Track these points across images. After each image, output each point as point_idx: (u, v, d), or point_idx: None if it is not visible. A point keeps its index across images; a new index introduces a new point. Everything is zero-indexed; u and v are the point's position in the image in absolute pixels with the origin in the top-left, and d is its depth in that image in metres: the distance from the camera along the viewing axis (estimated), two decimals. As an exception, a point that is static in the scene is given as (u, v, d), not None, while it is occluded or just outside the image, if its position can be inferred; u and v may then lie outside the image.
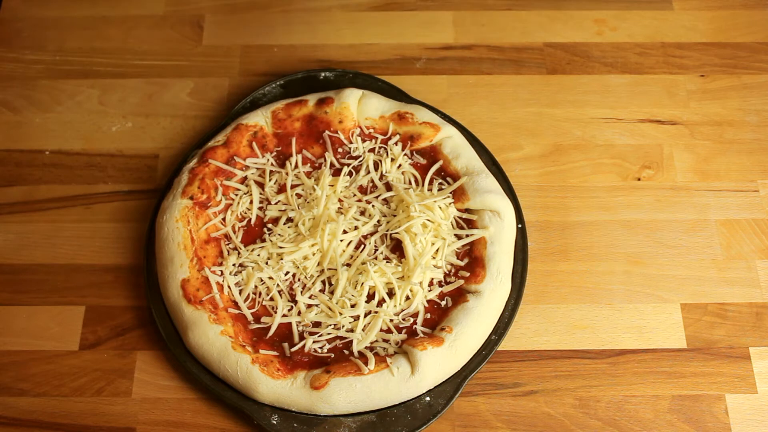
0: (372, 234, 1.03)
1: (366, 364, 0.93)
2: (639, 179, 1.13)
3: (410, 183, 1.07)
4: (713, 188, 1.12)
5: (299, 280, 1.01)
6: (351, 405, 0.93)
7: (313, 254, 1.01)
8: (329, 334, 0.97)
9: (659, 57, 1.23)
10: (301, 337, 0.97)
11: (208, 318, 0.96)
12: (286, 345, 0.96)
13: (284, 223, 1.02)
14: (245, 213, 1.05)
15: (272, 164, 1.09)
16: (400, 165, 1.07)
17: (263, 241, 1.03)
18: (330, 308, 0.98)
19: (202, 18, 1.27)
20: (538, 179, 1.13)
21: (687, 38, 1.25)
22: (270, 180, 1.07)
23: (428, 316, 0.99)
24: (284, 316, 0.98)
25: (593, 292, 1.04)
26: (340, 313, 0.98)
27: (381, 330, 0.97)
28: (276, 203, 1.05)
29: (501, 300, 0.99)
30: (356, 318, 0.97)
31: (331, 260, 1.02)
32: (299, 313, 0.98)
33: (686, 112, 1.18)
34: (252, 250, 1.01)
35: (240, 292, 1.00)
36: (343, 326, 0.97)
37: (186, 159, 1.11)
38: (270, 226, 1.03)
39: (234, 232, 1.03)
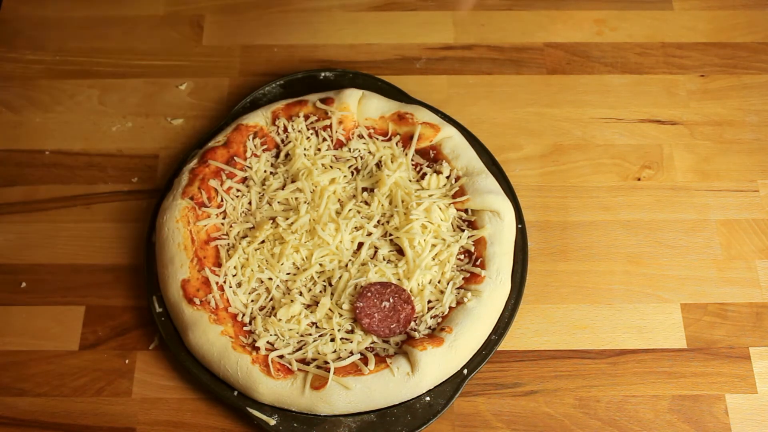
0: (371, 234, 1.03)
1: (366, 364, 0.93)
2: (639, 179, 1.13)
3: (410, 183, 1.07)
4: (713, 188, 1.12)
5: (299, 280, 1.00)
6: (351, 405, 0.93)
7: (314, 255, 1.01)
8: (330, 335, 0.97)
9: (659, 57, 1.23)
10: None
11: (209, 318, 0.96)
12: (285, 346, 0.96)
13: (285, 224, 1.02)
14: (245, 213, 1.05)
15: (272, 164, 1.09)
16: (400, 165, 1.07)
17: (263, 242, 1.02)
18: (330, 309, 0.98)
19: (202, 18, 1.27)
20: (538, 179, 1.13)
21: (687, 38, 1.25)
22: (270, 180, 1.07)
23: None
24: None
25: (593, 292, 1.05)
26: (341, 314, 0.98)
27: (381, 330, 0.98)
28: (276, 204, 1.05)
29: (501, 300, 0.99)
30: (356, 318, 0.98)
31: (332, 261, 1.02)
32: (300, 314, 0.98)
33: (686, 112, 1.18)
34: (252, 251, 1.01)
35: (240, 292, 1.00)
36: (343, 327, 0.97)
37: (186, 159, 1.11)
38: (270, 226, 1.03)
39: (234, 233, 1.03)
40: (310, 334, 0.97)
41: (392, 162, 1.07)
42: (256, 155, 1.09)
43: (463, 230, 1.03)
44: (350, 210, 1.04)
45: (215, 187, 1.05)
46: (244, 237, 1.03)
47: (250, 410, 0.94)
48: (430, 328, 0.98)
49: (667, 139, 1.16)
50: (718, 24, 1.26)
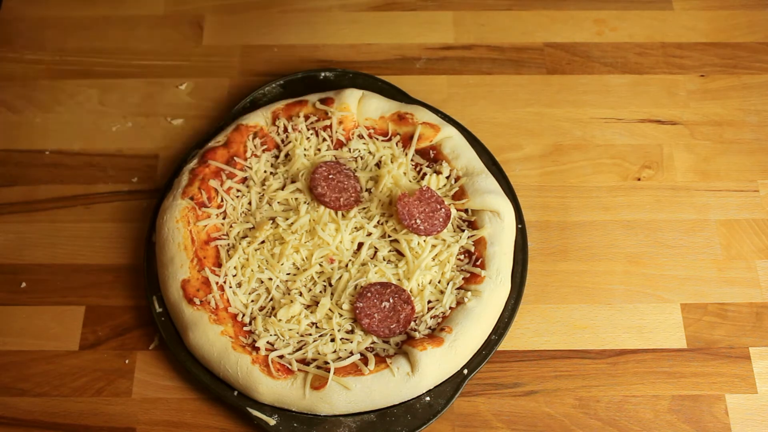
0: (371, 235, 1.03)
1: (366, 364, 0.93)
2: (639, 179, 1.13)
3: (409, 183, 1.07)
4: (713, 188, 1.12)
5: (299, 281, 1.00)
6: (351, 405, 0.93)
7: (314, 255, 1.01)
8: (330, 335, 0.97)
9: (659, 57, 1.23)
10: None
11: (209, 318, 0.96)
12: (285, 346, 0.96)
13: (284, 224, 1.02)
14: (245, 213, 1.05)
15: (272, 165, 1.09)
16: (400, 165, 1.07)
17: (263, 242, 1.02)
18: (330, 309, 0.98)
19: (202, 18, 1.27)
20: (538, 179, 1.13)
21: (687, 38, 1.25)
22: (270, 180, 1.07)
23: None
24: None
25: (593, 292, 1.05)
26: (341, 315, 0.98)
27: (381, 330, 0.98)
28: (276, 204, 1.05)
29: (501, 300, 0.99)
30: (356, 318, 0.98)
31: (332, 261, 1.02)
32: (300, 313, 0.98)
33: (686, 112, 1.18)
34: (252, 251, 1.01)
35: (240, 292, 1.00)
36: (343, 327, 0.97)
37: (186, 159, 1.11)
38: (270, 226, 1.03)
39: (234, 233, 1.03)
40: (310, 335, 0.97)
41: (392, 162, 1.07)
42: (256, 155, 1.09)
43: (463, 230, 1.03)
44: (350, 210, 1.04)
45: (215, 187, 1.05)
46: (244, 237, 1.03)
47: (250, 410, 0.94)
48: (430, 328, 0.98)
49: (667, 139, 1.16)
50: (718, 24, 1.26)
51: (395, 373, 0.93)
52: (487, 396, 0.98)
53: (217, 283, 0.99)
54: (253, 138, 1.09)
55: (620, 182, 1.12)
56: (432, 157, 1.09)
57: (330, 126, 1.09)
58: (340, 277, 1.00)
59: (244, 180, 1.07)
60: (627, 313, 1.03)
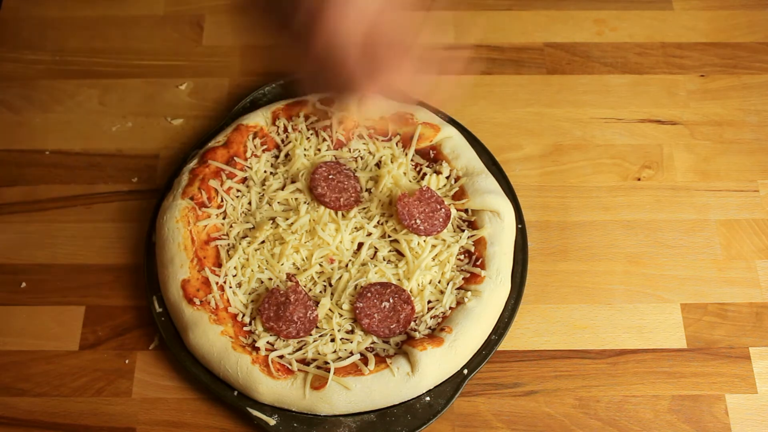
0: (371, 235, 1.03)
1: (366, 364, 0.93)
2: (639, 179, 1.13)
3: (409, 183, 1.07)
4: (713, 188, 1.12)
5: (299, 280, 1.00)
6: (351, 405, 0.93)
7: (314, 255, 1.01)
8: (330, 335, 0.97)
9: (659, 57, 1.23)
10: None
11: (209, 318, 0.96)
12: (285, 346, 0.96)
13: (285, 224, 1.02)
14: (245, 214, 1.05)
15: (272, 165, 1.09)
16: (400, 165, 1.07)
17: (263, 242, 1.02)
18: (330, 309, 0.98)
19: (202, 18, 1.27)
20: (538, 179, 1.13)
21: (687, 38, 1.25)
22: (270, 180, 1.07)
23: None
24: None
25: (593, 292, 1.05)
26: (341, 315, 0.98)
27: (381, 330, 0.98)
28: (276, 204, 1.05)
29: (501, 300, 0.99)
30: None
31: (332, 261, 1.02)
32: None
33: (686, 112, 1.18)
34: (252, 251, 1.01)
35: (240, 292, 1.00)
36: (343, 327, 0.97)
37: (186, 159, 1.11)
38: (270, 227, 1.03)
39: (234, 233, 1.03)
40: (310, 335, 0.97)
41: (392, 162, 1.07)
42: (256, 155, 1.09)
43: (463, 230, 1.03)
44: (350, 210, 1.04)
45: (215, 187, 1.05)
46: (244, 237, 1.03)
47: (250, 410, 0.94)
48: (430, 328, 0.98)
49: (667, 139, 1.16)
50: (718, 24, 1.26)
51: (395, 373, 0.93)
52: (487, 396, 0.98)
53: (217, 283, 0.99)
54: (253, 138, 1.09)
55: (620, 182, 1.12)
56: (432, 157, 1.09)
57: (330, 126, 1.09)
58: (340, 277, 1.00)
59: (244, 180, 1.07)
60: (627, 313, 1.03)
